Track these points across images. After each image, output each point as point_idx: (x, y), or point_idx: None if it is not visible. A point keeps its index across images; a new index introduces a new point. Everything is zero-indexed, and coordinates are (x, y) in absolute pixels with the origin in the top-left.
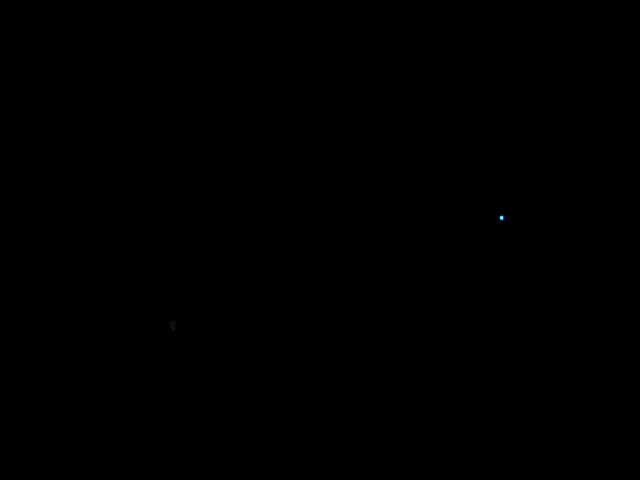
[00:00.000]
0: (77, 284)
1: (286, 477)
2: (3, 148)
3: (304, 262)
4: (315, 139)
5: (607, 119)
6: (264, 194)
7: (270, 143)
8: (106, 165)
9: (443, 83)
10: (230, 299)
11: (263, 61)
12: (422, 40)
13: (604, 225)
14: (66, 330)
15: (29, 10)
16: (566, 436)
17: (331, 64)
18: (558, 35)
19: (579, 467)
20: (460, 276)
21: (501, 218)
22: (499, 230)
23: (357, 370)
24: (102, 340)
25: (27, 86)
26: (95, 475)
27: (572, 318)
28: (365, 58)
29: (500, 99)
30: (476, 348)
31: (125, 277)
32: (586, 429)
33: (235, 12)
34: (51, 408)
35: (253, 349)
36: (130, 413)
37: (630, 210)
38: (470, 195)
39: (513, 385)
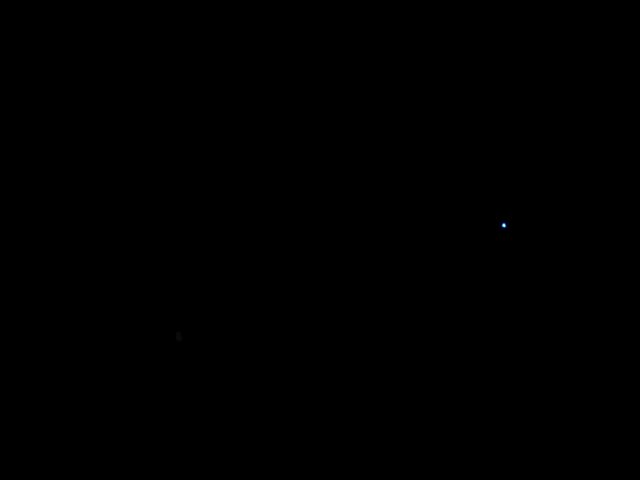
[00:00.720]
0: (85, 292)
1: (286, 477)
2: (3, 148)
3: (308, 268)
4: (315, 141)
5: (607, 122)
6: (267, 199)
7: (270, 143)
8: (111, 170)
9: (448, 87)
10: (233, 304)
11: (263, 61)
12: (422, 41)
13: (605, 229)
14: (75, 337)
15: (29, 10)
16: (566, 436)
17: (331, 64)
18: (558, 36)
19: (579, 467)
20: (463, 281)
21: (503, 225)
22: (502, 237)
23: (359, 373)
24: (108, 348)
25: (27, 86)
26: (95, 475)
27: (572, 320)
28: (365, 59)
29: (506, 105)
30: (478, 350)
31: (130, 285)
32: (586, 429)
33: (235, 12)
34: (56, 416)
35: (257, 353)
36: (136, 418)
37: (631, 213)
38: (474, 201)
39: (512, 386)
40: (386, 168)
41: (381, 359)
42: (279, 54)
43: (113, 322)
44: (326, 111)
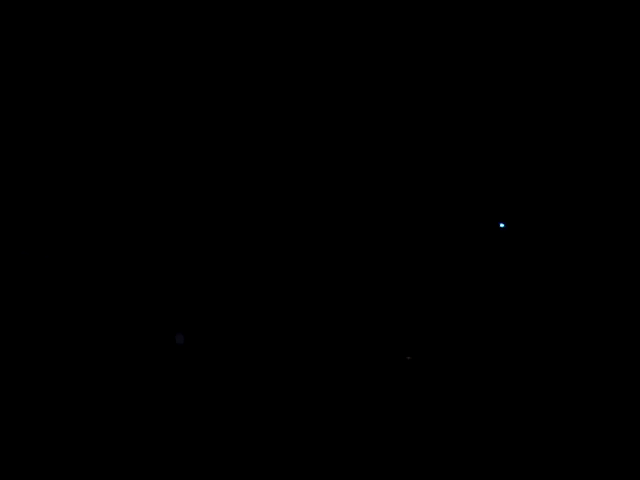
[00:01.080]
0: (84, 295)
1: (286, 477)
2: (3, 148)
3: (308, 268)
4: (315, 141)
5: (607, 121)
6: (267, 199)
7: (270, 144)
8: (109, 170)
9: (446, 86)
10: (234, 305)
11: (263, 61)
12: (422, 41)
13: (605, 229)
14: (76, 338)
15: (29, 10)
16: (566, 436)
17: (331, 65)
18: (558, 36)
19: (579, 467)
20: (462, 281)
21: (502, 225)
22: (500, 237)
23: (360, 373)
24: (108, 349)
25: (28, 86)
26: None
27: (572, 321)
28: (366, 59)
29: (505, 105)
30: (477, 350)
31: (130, 286)
32: (586, 429)
33: (235, 12)
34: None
35: (257, 355)
36: (135, 420)
37: (630, 213)
38: (472, 201)
39: (513, 386)
40: (385, 168)
41: (381, 359)
42: (279, 54)
43: (112, 324)
44: (326, 111)
